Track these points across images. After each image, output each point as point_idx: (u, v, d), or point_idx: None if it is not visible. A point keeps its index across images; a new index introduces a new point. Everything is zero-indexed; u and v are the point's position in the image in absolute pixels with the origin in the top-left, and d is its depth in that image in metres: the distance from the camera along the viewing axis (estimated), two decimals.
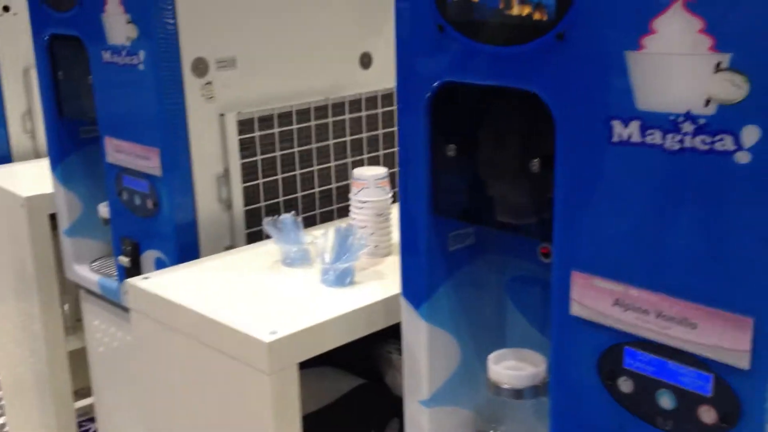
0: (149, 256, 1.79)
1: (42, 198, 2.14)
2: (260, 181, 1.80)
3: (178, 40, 1.64)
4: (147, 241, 1.79)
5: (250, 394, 1.29)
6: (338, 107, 1.90)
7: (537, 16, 0.94)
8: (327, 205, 1.94)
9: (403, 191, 1.15)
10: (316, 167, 1.90)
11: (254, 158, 1.78)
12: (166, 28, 1.63)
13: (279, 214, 1.62)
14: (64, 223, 2.09)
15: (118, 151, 1.79)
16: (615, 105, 0.89)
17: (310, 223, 1.86)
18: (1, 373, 2.66)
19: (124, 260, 1.84)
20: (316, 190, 1.91)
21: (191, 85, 1.67)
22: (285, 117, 1.82)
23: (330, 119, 1.90)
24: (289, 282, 1.48)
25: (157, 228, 1.74)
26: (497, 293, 1.25)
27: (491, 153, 1.07)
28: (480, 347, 1.24)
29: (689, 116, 0.83)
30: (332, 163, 1.92)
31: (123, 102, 1.74)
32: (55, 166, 2.06)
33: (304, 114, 1.85)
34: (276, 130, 1.81)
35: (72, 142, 2.06)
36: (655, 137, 0.86)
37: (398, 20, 1.10)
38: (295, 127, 1.84)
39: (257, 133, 1.77)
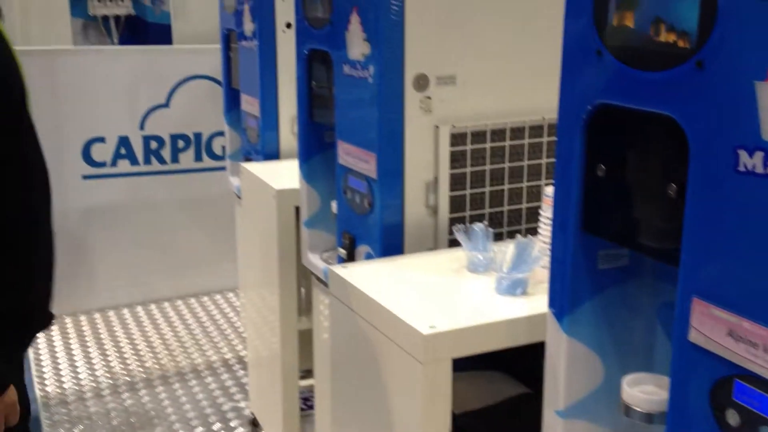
0: (361, 250, 1.98)
1: (290, 192, 2.43)
2: (467, 191, 1.91)
3: (403, 57, 1.81)
4: (361, 237, 1.98)
5: (406, 380, 1.40)
6: (554, 128, 1.96)
7: (681, 43, 0.96)
8: (534, 221, 1.99)
9: (556, 205, 1.20)
10: (525, 184, 1.97)
11: (463, 170, 1.90)
12: (394, 46, 1.80)
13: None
14: (304, 215, 2.36)
15: (347, 154, 2.00)
16: (742, 134, 0.88)
17: (510, 237, 1.93)
18: (247, 353, 3.02)
19: (342, 252, 2.05)
20: (524, 206, 1.98)
21: (411, 98, 1.83)
22: (498, 133, 1.91)
23: (545, 139, 1.96)
24: (466, 285, 1.58)
25: (369, 225, 1.92)
26: (649, 317, 1.24)
27: (635, 175, 1.09)
28: (626, 369, 1.25)
29: None
30: (543, 181, 1.98)
31: (354, 111, 1.95)
32: (302, 164, 2.33)
33: (518, 132, 1.93)
34: (488, 144, 1.91)
35: (317, 145, 2.32)
36: None
37: (564, 43, 1.16)
38: (507, 143, 1.93)
39: (469, 146, 1.89)
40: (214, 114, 3.91)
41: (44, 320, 1.46)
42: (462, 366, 1.74)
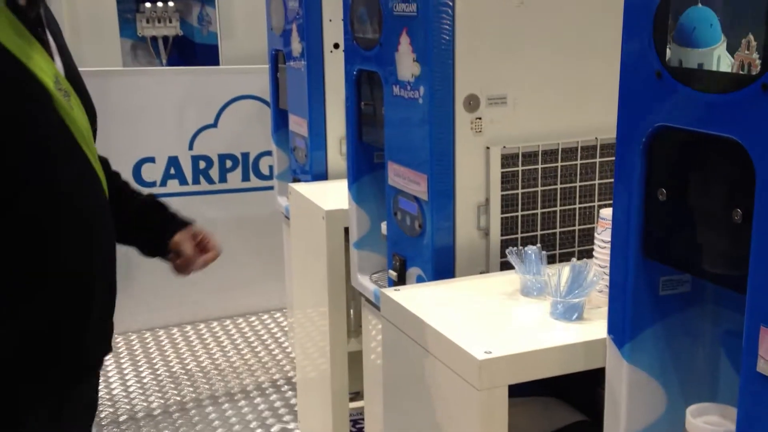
0: (413, 272, 1.97)
1: (340, 212, 2.43)
2: (519, 213, 1.89)
3: (453, 78, 1.80)
4: (412, 259, 1.96)
5: (461, 406, 1.38)
6: (607, 148, 1.93)
7: None
8: (587, 243, 1.96)
9: (615, 230, 1.18)
10: (578, 205, 1.94)
11: (515, 191, 1.87)
12: (444, 67, 1.80)
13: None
14: (354, 236, 2.35)
15: (397, 175, 1.99)
16: None
17: (563, 259, 1.91)
18: (296, 373, 3.02)
19: (393, 274, 2.04)
20: (576, 228, 1.95)
21: (462, 119, 1.82)
22: (550, 154, 1.89)
23: (597, 159, 1.94)
24: (520, 310, 1.56)
25: (420, 247, 1.91)
26: (712, 345, 1.21)
27: (697, 200, 1.06)
28: (690, 398, 1.21)
29: None
30: (596, 203, 1.95)
31: (404, 131, 1.94)
32: (351, 185, 2.33)
33: (570, 152, 1.91)
34: (540, 165, 1.89)
35: (367, 165, 2.32)
36: None
37: (622, 64, 1.14)
38: (559, 164, 1.90)
39: (520, 168, 1.87)
40: (262, 134, 3.94)
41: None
42: (517, 392, 1.72)
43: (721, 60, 0.96)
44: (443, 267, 1.87)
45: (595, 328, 1.44)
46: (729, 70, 0.95)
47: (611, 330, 1.21)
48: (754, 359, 0.95)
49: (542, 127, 1.90)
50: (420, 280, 1.92)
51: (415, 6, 1.82)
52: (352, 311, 2.66)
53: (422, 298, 1.64)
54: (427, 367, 1.50)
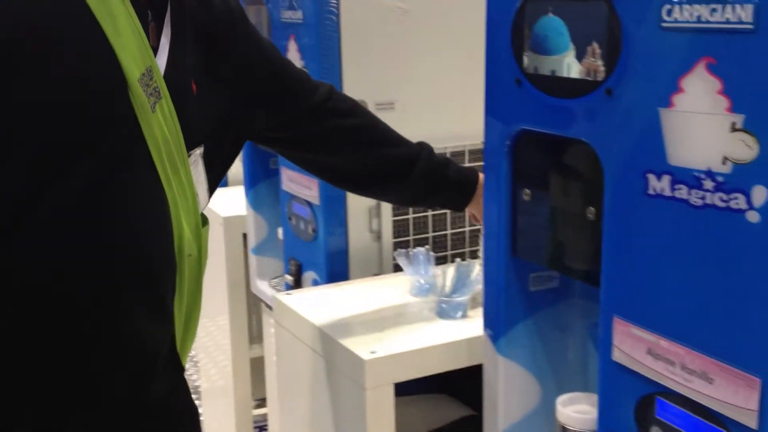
0: (308, 276, 1.99)
1: (237, 218, 2.43)
2: (410, 216, 1.93)
3: (341, 84, 1.83)
4: (307, 263, 1.98)
5: (351, 406, 1.41)
6: None
7: None
8: (477, 245, 2.02)
9: (487, 230, 1.23)
10: None
11: None
12: (332, 73, 1.82)
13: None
14: (252, 242, 2.36)
15: (290, 180, 2.01)
16: (650, 159, 0.92)
17: (454, 260, 1.95)
18: (201, 382, 3.00)
19: (289, 278, 2.05)
20: (467, 229, 2.01)
21: None
22: None
23: (484, 162, 1.99)
24: (408, 310, 1.60)
25: (314, 251, 1.93)
26: (581, 337, 1.27)
27: (557, 200, 1.12)
28: (562, 389, 1.27)
29: (710, 174, 0.85)
30: None
31: None
32: (247, 190, 2.34)
33: (457, 156, 1.96)
34: None
35: (263, 171, 2.33)
36: (682, 192, 0.88)
37: (487, 71, 1.19)
38: None
39: None
40: None
41: None
42: (408, 390, 1.76)
43: (570, 67, 1.02)
44: (337, 270, 1.90)
45: (479, 325, 1.48)
46: (578, 76, 1.01)
47: (487, 325, 1.26)
48: (609, 348, 1.01)
49: (431, 131, 1.93)
50: (315, 283, 1.94)
51: (301, 13, 1.84)
52: (254, 317, 2.66)
53: (313, 302, 1.66)
54: (318, 369, 1.53)
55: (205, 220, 1.19)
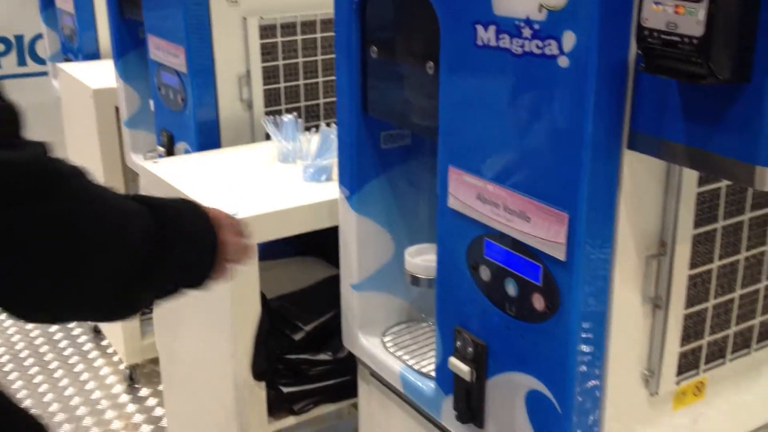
0: (180, 147, 1.97)
1: (108, 91, 2.36)
2: (281, 84, 1.93)
3: None
4: (178, 133, 1.97)
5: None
6: None
7: None
8: None
9: (339, 90, 1.25)
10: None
11: (276, 63, 1.91)
12: None
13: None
14: (124, 115, 2.31)
15: (157, 48, 1.96)
16: (478, 10, 0.95)
17: None
18: None
19: (161, 150, 2.03)
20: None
21: None
22: (309, 25, 1.93)
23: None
24: (276, 175, 1.62)
25: (185, 121, 1.91)
26: (431, 193, 1.33)
27: (401, 56, 1.15)
28: (415, 242, 1.34)
29: (528, 22, 0.89)
30: None
31: (160, 4, 1.90)
32: (116, 61, 2.27)
33: (329, 24, 1.95)
34: (299, 37, 1.92)
35: (131, 41, 2.26)
36: (505, 41, 0.92)
37: None
38: (318, 35, 1.95)
39: (279, 39, 1.90)
40: (37, 14, 3.69)
41: None
42: (283, 254, 1.81)
43: None
44: (208, 140, 1.89)
45: None
46: None
47: (341, 183, 1.30)
48: (445, 196, 1.06)
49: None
50: (187, 153, 1.93)
51: None
52: (131, 192, 2.63)
53: (181, 170, 1.67)
54: None
55: None
